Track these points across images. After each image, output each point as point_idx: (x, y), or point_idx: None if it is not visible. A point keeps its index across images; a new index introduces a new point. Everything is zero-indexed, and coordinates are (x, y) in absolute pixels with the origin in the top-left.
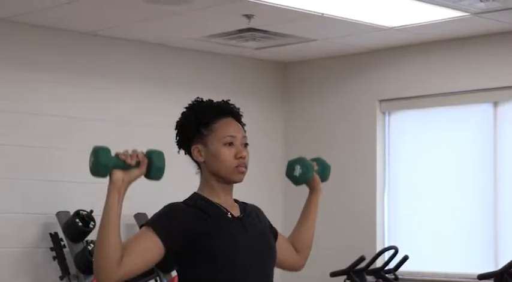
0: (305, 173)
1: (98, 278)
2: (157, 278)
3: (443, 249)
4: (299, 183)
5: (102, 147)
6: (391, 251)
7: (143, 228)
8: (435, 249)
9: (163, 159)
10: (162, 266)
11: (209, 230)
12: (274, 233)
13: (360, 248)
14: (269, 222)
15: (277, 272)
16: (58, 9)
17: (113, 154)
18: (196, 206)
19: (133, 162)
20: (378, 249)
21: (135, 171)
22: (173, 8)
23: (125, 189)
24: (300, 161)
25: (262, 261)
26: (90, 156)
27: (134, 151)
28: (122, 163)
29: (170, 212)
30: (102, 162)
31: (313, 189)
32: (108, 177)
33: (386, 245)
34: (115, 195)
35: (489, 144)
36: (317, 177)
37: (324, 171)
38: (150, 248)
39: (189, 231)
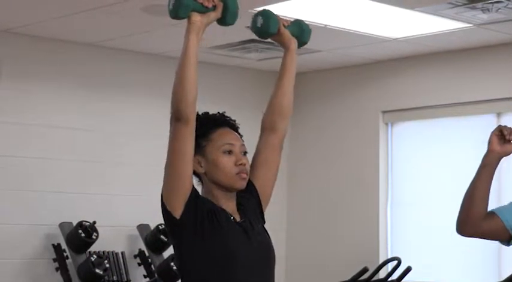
0: (266, 23)
1: (176, 113)
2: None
3: (446, 260)
4: (262, 35)
5: None
6: (394, 262)
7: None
8: (438, 260)
9: (238, 4)
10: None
11: (215, 232)
12: (254, 191)
13: (362, 259)
14: (248, 189)
15: (281, 276)
16: (61, 20)
17: None
18: (206, 205)
19: (210, 5)
20: (381, 260)
21: (212, 14)
22: (174, 20)
23: (203, 31)
24: (263, 11)
25: (263, 265)
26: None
27: None
28: (199, 5)
29: (200, 195)
30: (184, 2)
31: (285, 47)
32: (185, 20)
33: (389, 256)
34: (194, 35)
35: None
36: (287, 33)
37: (303, 32)
38: (192, 168)
39: (200, 222)
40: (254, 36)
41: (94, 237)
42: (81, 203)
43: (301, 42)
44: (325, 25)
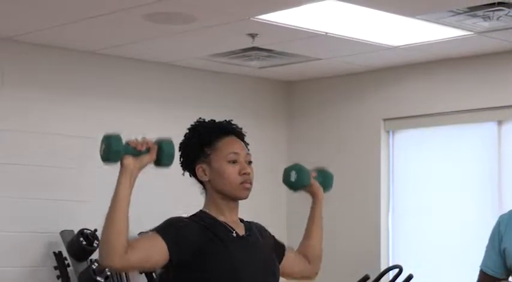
0: (300, 178)
1: (102, 261)
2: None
3: (447, 268)
4: (295, 188)
5: (113, 134)
6: (396, 270)
7: (150, 232)
8: (440, 268)
9: (173, 146)
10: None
11: (213, 248)
12: (281, 249)
13: (364, 267)
14: (274, 238)
15: None
16: (63, 28)
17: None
18: (201, 222)
19: (143, 148)
20: (382, 268)
21: (146, 158)
22: (176, 27)
23: (136, 175)
24: (295, 166)
25: (267, 278)
26: (101, 143)
27: (144, 138)
28: (132, 149)
29: (176, 225)
30: (113, 149)
31: (314, 197)
32: (118, 164)
33: (390, 264)
34: (126, 178)
35: (493, 162)
36: (316, 183)
37: (326, 180)
38: (157, 248)
39: (193, 248)
40: (255, 44)
41: (95, 245)
42: (82, 211)
43: (326, 189)
44: (326, 33)
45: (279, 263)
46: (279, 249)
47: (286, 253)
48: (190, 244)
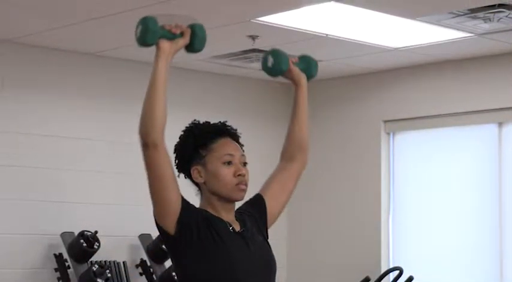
0: (277, 62)
1: (144, 137)
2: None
3: (448, 270)
4: (274, 74)
5: (150, 16)
6: (396, 272)
7: None
8: (440, 270)
9: (205, 30)
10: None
11: (213, 242)
12: (261, 201)
13: (364, 269)
14: (253, 202)
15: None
16: (64, 30)
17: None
18: (203, 215)
19: (178, 32)
20: (383, 269)
21: (180, 41)
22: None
23: (171, 58)
24: (272, 51)
25: (264, 274)
26: (138, 25)
27: (177, 23)
28: (167, 32)
29: (194, 207)
30: (150, 28)
31: (296, 83)
32: (153, 46)
33: (391, 266)
34: (163, 61)
35: (494, 164)
36: (297, 69)
37: (310, 66)
38: (177, 187)
39: (196, 234)
40: (256, 46)
41: (96, 246)
42: (82, 213)
43: (309, 76)
44: (326, 35)
45: (266, 218)
46: (259, 207)
47: (266, 199)
48: (195, 219)
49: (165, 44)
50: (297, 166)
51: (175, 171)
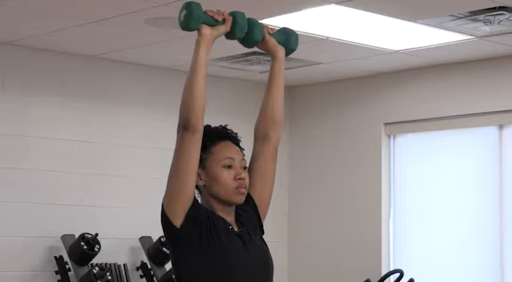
0: (251, 31)
1: (184, 121)
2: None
3: (449, 273)
4: (247, 43)
5: (194, 1)
6: (397, 274)
7: None
8: (441, 273)
9: (246, 18)
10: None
11: (212, 240)
12: (251, 201)
13: (365, 271)
14: (246, 201)
15: None
16: (64, 33)
17: None
18: (206, 213)
19: (220, 19)
20: (383, 272)
21: (221, 27)
22: (177, 32)
23: (212, 44)
24: (248, 20)
25: (261, 275)
26: (182, 9)
27: (219, 10)
28: (210, 18)
29: (201, 204)
30: (195, 14)
31: (272, 55)
32: (195, 31)
33: (391, 268)
34: (204, 47)
35: (494, 167)
36: (273, 40)
37: (289, 38)
38: (195, 177)
39: (198, 228)
40: (257, 49)
41: (96, 249)
42: (83, 215)
43: (289, 49)
44: (327, 37)
45: (254, 203)
46: (247, 199)
47: (253, 195)
48: (201, 216)
49: (207, 30)
50: (271, 145)
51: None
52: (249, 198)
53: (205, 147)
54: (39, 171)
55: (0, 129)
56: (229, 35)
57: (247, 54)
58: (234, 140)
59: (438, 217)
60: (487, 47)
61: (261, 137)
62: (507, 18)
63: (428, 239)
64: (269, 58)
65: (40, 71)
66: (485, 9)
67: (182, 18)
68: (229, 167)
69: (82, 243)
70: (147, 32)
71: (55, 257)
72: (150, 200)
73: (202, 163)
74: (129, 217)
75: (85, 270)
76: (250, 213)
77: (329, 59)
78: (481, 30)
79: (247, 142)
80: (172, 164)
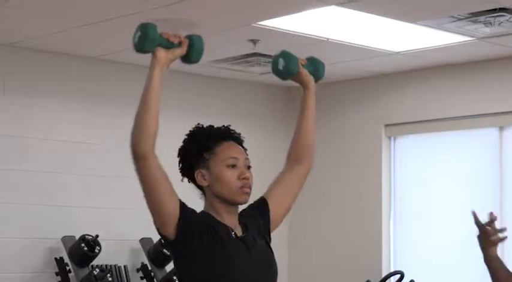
0: (288, 65)
1: (135, 148)
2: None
3: (449, 274)
4: (284, 76)
5: (150, 23)
6: (397, 276)
7: None
8: (441, 274)
9: (203, 42)
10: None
11: (214, 247)
12: (264, 205)
13: (365, 273)
14: (257, 205)
15: None
16: (64, 34)
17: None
18: (206, 220)
19: (176, 41)
20: (384, 273)
21: (177, 50)
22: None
23: (167, 67)
24: (282, 53)
25: (264, 280)
26: (136, 31)
27: (176, 32)
28: (165, 41)
29: (191, 208)
30: (150, 36)
31: (304, 87)
32: (150, 54)
33: (392, 270)
34: (158, 70)
35: (495, 168)
36: (306, 72)
37: (317, 68)
38: (173, 194)
39: (197, 237)
40: (257, 50)
41: (97, 250)
42: (83, 217)
43: (317, 78)
44: (328, 39)
45: (269, 220)
46: (263, 211)
47: (269, 202)
48: (196, 223)
49: (161, 53)
50: (302, 169)
51: (171, 182)
52: (264, 205)
53: (209, 148)
54: (39, 173)
55: (0, 130)
56: (185, 59)
57: (247, 56)
58: (237, 140)
59: (439, 218)
60: (488, 49)
61: (293, 159)
62: (507, 20)
63: (428, 240)
64: (269, 60)
65: (40, 72)
66: (485, 10)
67: (136, 39)
68: (233, 166)
69: (82, 245)
70: None
71: (55, 258)
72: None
73: (206, 163)
74: (129, 218)
75: (85, 271)
76: (258, 220)
77: (330, 60)
78: (481, 32)
79: (247, 143)
80: (143, 193)
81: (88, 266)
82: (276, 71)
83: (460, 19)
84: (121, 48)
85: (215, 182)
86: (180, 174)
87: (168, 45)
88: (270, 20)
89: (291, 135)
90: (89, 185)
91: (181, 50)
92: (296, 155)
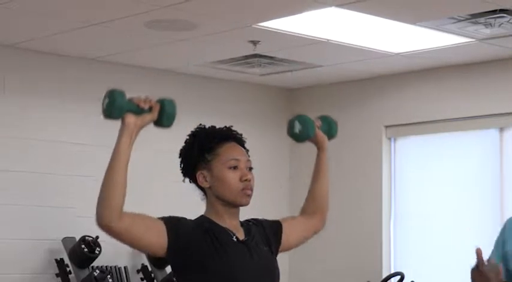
0: (305, 129)
1: (98, 220)
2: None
3: (450, 275)
4: (300, 140)
5: (117, 89)
6: (398, 277)
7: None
8: (442, 275)
9: (175, 107)
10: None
11: (213, 252)
12: (278, 226)
13: (365, 274)
14: (269, 222)
15: None
16: (64, 35)
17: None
18: (203, 227)
19: (146, 107)
20: (384, 275)
21: (147, 116)
22: (178, 35)
23: (136, 134)
24: (299, 117)
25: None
26: (105, 97)
27: (147, 96)
28: (135, 107)
29: (182, 221)
30: (117, 104)
31: (319, 147)
32: (119, 120)
33: (392, 271)
34: (127, 138)
35: (495, 169)
36: (321, 133)
37: (331, 128)
38: (156, 230)
39: (193, 249)
40: (257, 51)
41: (97, 252)
42: (84, 218)
43: (330, 137)
44: (327, 40)
45: (280, 240)
46: (275, 229)
47: (284, 224)
48: (190, 245)
49: (130, 119)
50: (315, 223)
51: (147, 218)
52: (278, 224)
53: (211, 148)
54: (39, 174)
55: (0, 131)
56: (157, 123)
57: (247, 57)
58: (239, 140)
59: (439, 219)
60: (488, 50)
61: (308, 214)
62: (507, 21)
63: (429, 241)
64: (270, 61)
65: (41, 73)
66: (485, 11)
67: (104, 106)
68: (235, 168)
69: (83, 246)
70: (148, 34)
71: (56, 259)
72: (150, 203)
73: (208, 164)
74: None
75: (86, 273)
76: (268, 232)
77: (330, 61)
78: (481, 33)
79: (248, 144)
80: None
81: (88, 267)
82: (292, 134)
83: (460, 20)
84: (121, 49)
85: (217, 184)
86: (181, 175)
87: (138, 111)
88: (270, 21)
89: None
90: (89, 186)
91: (152, 116)
92: (310, 210)
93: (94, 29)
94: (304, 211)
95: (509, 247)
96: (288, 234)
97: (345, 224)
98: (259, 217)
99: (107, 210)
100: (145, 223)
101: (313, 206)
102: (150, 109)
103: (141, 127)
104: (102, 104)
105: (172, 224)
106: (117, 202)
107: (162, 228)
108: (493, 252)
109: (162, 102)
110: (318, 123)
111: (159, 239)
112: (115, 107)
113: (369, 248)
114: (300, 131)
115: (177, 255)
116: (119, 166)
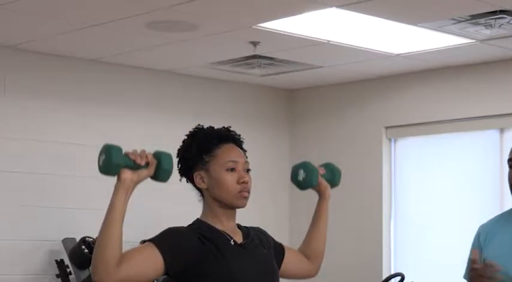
0: (309, 177)
1: (95, 277)
2: None
3: (449, 276)
4: (303, 188)
5: (114, 146)
6: (398, 278)
7: (146, 243)
8: (441, 276)
9: (172, 161)
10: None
11: (211, 257)
12: (281, 250)
13: (366, 275)
14: (274, 241)
15: None
16: (65, 36)
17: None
18: (199, 232)
19: (143, 163)
20: (384, 276)
21: (144, 172)
22: (178, 35)
23: (132, 189)
24: (303, 165)
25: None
26: (101, 153)
27: (143, 151)
28: (131, 163)
29: (174, 235)
30: (114, 162)
31: (321, 195)
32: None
33: (392, 272)
34: (122, 194)
35: (495, 170)
36: (324, 182)
37: (334, 176)
38: (151, 261)
39: (191, 258)
40: (257, 52)
41: None
42: (84, 219)
43: (333, 185)
44: (328, 41)
45: (280, 264)
46: (279, 251)
47: (286, 253)
48: (187, 255)
49: (126, 175)
50: (310, 267)
51: (143, 259)
52: (281, 247)
53: (208, 150)
54: (39, 174)
55: (0, 132)
56: (153, 178)
57: (247, 58)
58: (238, 141)
59: (439, 220)
60: (488, 51)
61: (306, 255)
62: (508, 22)
63: (429, 242)
64: (270, 61)
65: (41, 74)
66: (486, 12)
67: (101, 163)
68: (233, 170)
69: (83, 247)
70: (148, 35)
71: (56, 260)
72: (151, 204)
73: (205, 166)
74: (129, 221)
75: (86, 273)
76: (271, 245)
77: (330, 62)
78: (482, 34)
79: (247, 145)
80: None
81: (88, 268)
82: (295, 181)
83: (460, 21)
84: (121, 50)
85: (214, 186)
86: (178, 175)
87: (135, 167)
88: (271, 22)
89: (292, 137)
90: (89, 186)
91: (148, 172)
92: (306, 255)
93: (94, 30)
94: (301, 252)
95: (486, 254)
96: (286, 263)
97: (345, 224)
98: (259, 217)
99: (102, 265)
100: (139, 263)
101: (308, 250)
102: (147, 164)
103: (137, 183)
104: (98, 160)
105: (165, 244)
106: (113, 256)
107: (155, 254)
108: (469, 259)
109: (158, 158)
110: (322, 171)
111: (156, 266)
112: (112, 164)
113: (369, 249)
114: (304, 179)
115: (176, 270)
116: (115, 221)
